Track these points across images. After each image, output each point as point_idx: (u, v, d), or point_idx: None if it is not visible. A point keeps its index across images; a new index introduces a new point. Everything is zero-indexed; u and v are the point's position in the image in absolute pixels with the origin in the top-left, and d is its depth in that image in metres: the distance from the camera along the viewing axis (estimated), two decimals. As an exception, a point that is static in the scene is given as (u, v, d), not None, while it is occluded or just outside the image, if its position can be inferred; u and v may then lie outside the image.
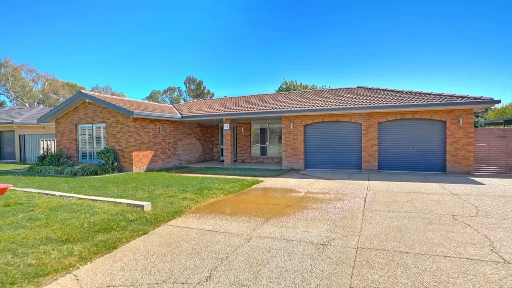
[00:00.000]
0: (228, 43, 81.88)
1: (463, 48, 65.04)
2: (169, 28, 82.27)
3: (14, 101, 43.79)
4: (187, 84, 62.24)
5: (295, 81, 47.19)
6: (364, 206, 6.42)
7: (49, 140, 18.51)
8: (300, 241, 4.23)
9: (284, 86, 46.86)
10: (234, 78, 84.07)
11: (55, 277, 3.12)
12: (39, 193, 7.22)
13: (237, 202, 7.02)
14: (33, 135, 20.17)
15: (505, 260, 3.48)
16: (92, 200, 6.45)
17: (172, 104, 61.49)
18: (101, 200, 6.38)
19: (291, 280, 3.05)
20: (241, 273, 3.21)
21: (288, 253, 3.78)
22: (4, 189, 3.45)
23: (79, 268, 3.36)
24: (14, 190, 7.53)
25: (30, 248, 3.74)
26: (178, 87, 65.17)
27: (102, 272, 3.26)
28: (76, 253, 3.68)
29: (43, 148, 17.65)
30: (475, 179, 10.22)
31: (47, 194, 7.04)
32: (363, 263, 3.45)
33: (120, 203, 6.15)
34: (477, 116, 41.17)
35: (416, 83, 69.61)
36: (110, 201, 6.28)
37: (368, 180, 10.14)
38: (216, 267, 3.38)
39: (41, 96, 47.71)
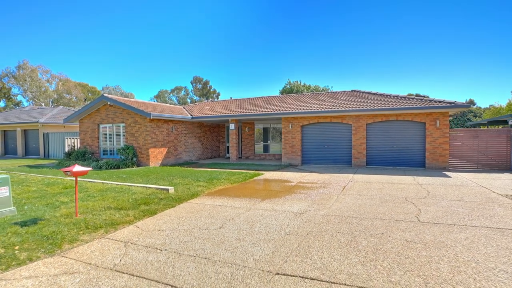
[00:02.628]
0: (228, 43, 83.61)
1: (464, 48, 65.74)
2: (173, 29, 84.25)
3: (31, 101, 46.19)
4: (194, 84, 64.12)
5: (300, 81, 48.59)
6: (341, 191, 8.12)
7: (73, 138, 20.49)
8: (285, 211, 5.96)
9: (288, 86, 48.33)
10: (238, 78, 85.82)
11: (123, 226, 4.90)
12: (83, 180, 9.08)
13: (240, 188, 8.78)
14: (57, 134, 22.18)
15: (419, 220, 5.16)
16: (127, 185, 8.27)
17: (179, 103, 63.60)
18: (134, 186, 8.20)
19: (273, 228, 4.79)
20: (241, 225, 4.95)
21: (274, 217, 5.52)
22: (86, 172, 5.21)
23: (136, 222, 5.15)
24: (63, 178, 9.42)
25: (99, 212, 5.54)
26: (185, 87, 67.04)
27: (152, 224, 5.04)
28: (131, 215, 5.47)
29: (69, 145, 19.63)
30: (447, 173, 11.81)
31: (90, 181, 8.90)
32: (323, 221, 5.17)
33: (150, 187, 7.95)
34: (475, 116, 42.34)
35: (418, 82, 70.47)
36: (141, 186, 8.10)
37: (354, 174, 11.79)
38: (225, 223, 5.13)
39: (55, 96, 50.09)
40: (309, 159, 15.57)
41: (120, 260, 3.51)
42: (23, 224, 4.69)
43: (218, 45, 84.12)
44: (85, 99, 57.37)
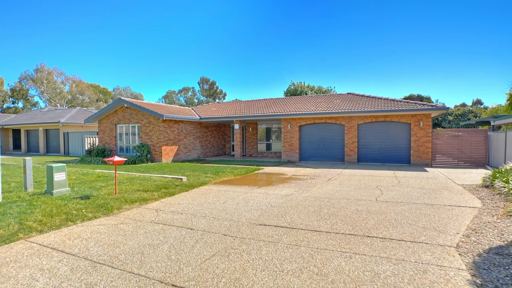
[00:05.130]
0: (233, 44, 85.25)
1: (472, 50, 66.16)
2: (179, 30, 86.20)
3: (47, 102, 48.68)
4: (201, 84, 66.00)
5: (303, 82, 49.97)
6: (326, 182, 9.67)
7: (92, 137, 22.42)
8: (275, 194, 7.57)
9: (292, 87, 49.77)
10: (244, 78, 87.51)
11: (151, 201, 6.58)
12: (112, 172, 10.83)
13: (242, 179, 10.41)
14: (76, 133, 24.17)
15: (376, 200, 6.71)
16: (148, 175, 9.98)
17: (186, 103, 65.54)
18: (154, 176, 9.91)
19: (263, 203, 6.40)
20: (239, 202, 6.59)
21: (265, 197, 7.13)
22: (123, 161, 6.89)
23: (160, 199, 6.83)
24: (93, 170, 11.20)
25: (132, 192, 7.24)
26: (192, 87, 68.88)
27: (172, 200, 6.71)
28: (155, 195, 7.15)
29: (89, 143, 21.55)
30: (428, 168, 13.23)
31: (117, 172, 10.62)
32: (302, 200, 6.76)
33: (166, 177, 9.65)
34: (475, 116, 43.18)
35: (424, 83, 71.05)
36: (160, 176, 9.80)
37: (343, 169, 13.31)
38: (227, 200, 6.77)
39: (69, 97, 52.56)
40: (306, 156, 17.13)
41: (155, 218, 5.18)
42: (80, 198, 6.42)
43: (223, 45, 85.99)
44: (97, 100, 59.77)
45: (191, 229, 4.53)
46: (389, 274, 2.98)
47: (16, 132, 30.86)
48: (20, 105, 50.60)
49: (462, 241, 3.87)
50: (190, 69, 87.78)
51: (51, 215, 5.04)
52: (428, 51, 71.40)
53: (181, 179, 9.35)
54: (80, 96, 56.55)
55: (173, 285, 2.81)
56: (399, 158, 15.13)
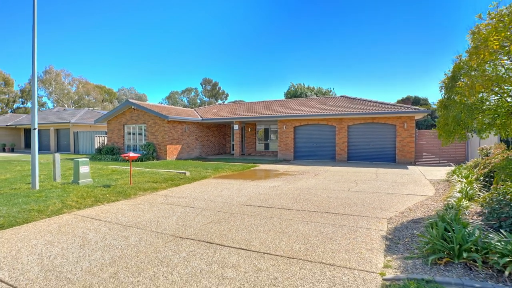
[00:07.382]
0: (235, 44, 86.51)
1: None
2: (181, 30, 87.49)
3: (55, 103, 50.38)
4: (203, 85, 67.41)
5: (303, 83, 51.21)
6: (313, 177, 10.96)
7: (101, 136, 23.87)
8: (264, 185, 8.88)
9: (292, 89, 50.99)
10: (246, 79, 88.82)
11: (160, 190, 7.93)
12: (124, 168, 12.21)
13: (238, 174, 11.73)
14: (86, 132, 25.65)
15: (349, 190, 8.00)
16: (156, 170, 11.34)
17: (189, 104, 67.01)
18: (160, 170, 11.26)
19: (252, 192, 7.72)
20: (233, 191, 7.91)
21: (256, 188, 8.45)
22: (137, 156, 8.23)
23: (168, 188, 8.17)
24: (106, 166, 12.59)
25: (143, 183, 8.60)
26: (195, 88, 70.28)
27: (177, 189, 8.05)
28: (163, 185, 8.50)
29: (99, 142, 23.02)
30: (410, 166, 14.47)
31: (127, 167, 12.01)
32: (285, 190, 8.07)
33: (172, 171, 11.00)
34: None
35: (423, 83, 71.99)
36: (166, 171, 11.15)
37: (332, 166, 14.58)
38: (223, 190, 8.10)
39: (76, 97, 54.27)
40: (300, 155, 18.43)
41: (165, 200, 6.53)
42: (102, 187, 7.79)
43: (223, 45, 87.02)
44: (103, 100, 61.45)
45: (193, 207, 5.87)
46: (330, 232, 4.29)
47: (28, 131, 32.45)
48: (29, 105, 52.34)
49: (396, 216, 5.16)
50: (191, 69, 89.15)
51: (83, 198, 6.41)
52: (429, 51, 72.28)
53: (185, 173, 10.69)
54: (87, 97, 58.24)
55: (180, 237, 4.14)
56: (386, 157, 16.37)
